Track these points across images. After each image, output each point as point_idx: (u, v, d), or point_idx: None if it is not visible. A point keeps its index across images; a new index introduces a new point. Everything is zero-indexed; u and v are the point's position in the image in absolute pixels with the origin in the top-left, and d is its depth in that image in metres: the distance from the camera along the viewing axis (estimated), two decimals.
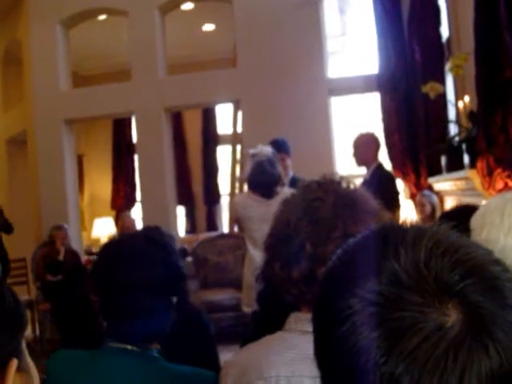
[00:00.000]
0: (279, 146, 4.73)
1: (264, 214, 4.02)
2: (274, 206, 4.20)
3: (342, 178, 1.31)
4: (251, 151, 4.33)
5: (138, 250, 1.57)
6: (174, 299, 1.57)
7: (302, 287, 1.20)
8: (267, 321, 1.59)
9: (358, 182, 4.60)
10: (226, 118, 10.56)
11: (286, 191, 4.11)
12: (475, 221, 1.54)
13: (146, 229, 1.70)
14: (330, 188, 1.26)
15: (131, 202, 11.19)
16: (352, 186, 1.29)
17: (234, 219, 4.47)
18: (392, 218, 1.33)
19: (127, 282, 1.50)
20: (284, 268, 1.22)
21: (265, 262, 1.37)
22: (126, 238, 1.65)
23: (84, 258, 8.17)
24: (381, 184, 4.35)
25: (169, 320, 1.58)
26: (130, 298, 1.50)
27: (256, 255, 4.04)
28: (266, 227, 4.29)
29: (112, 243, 1.68)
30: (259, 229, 4.04)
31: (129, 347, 1.50)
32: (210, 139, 11.14)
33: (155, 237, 1.67)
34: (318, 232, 1.19)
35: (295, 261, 1.20)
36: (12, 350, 0.88)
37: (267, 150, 4.23)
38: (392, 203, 4.51)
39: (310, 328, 1.19)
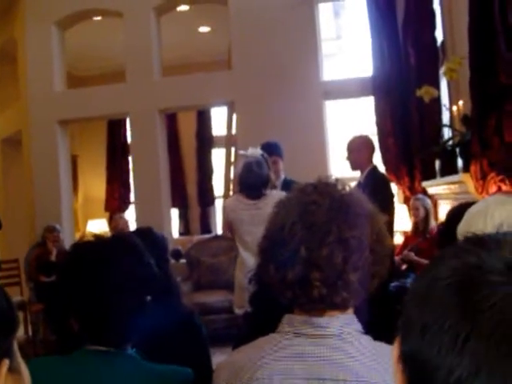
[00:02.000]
0: (272, 149, 4.72)
1: (254, 217, 4.04)
2: (263, 208, 4.22)
3: (337, 180, 1.31)
4: (241, 153, 4.35)
5: (103, 252, 1.56)
6: (148, 298, 1.56)
7: (296, 291, 1.20)
8: (260, 322, 1.59)
9: (353, 184, 4.59)
10: (221, 120, 10.56)
11: (274, 193, 4.12)
12: (461, 227, 1.55)
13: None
14: (325, 191, 1.25)
15: (125, 203, 11.17)
16: (347, 189, 1.29)
17: (226, 222, 4.48)
18: (387, 220, 1.34)
19: (94, 285, 1.49)
20: (278, 271, 1.22)
21: (259, 264, 1.36)
22: (92, 241, 1.63)
23: None
24: (375, 187, 4.35)
25: (144, 319, 1.57)
26: (100, 300, 1.48)
27: (247, 257, 4.04)
28: (256, 230, 4.30)
29: (77, 247, 1.66)
30: (249, 231, 4.05)
31: (104, 348, 1.49)
32: (205, 141, 11.14)
33: (124, 238, 1.66)
34: (312, 236, 1.19)
35: (290, 264, 1.19)
36: (4, 351, 0.87)
37: (256, 151, 4.23)
38: (386, 206, 4.51)
39: (303, 330, 1.20)
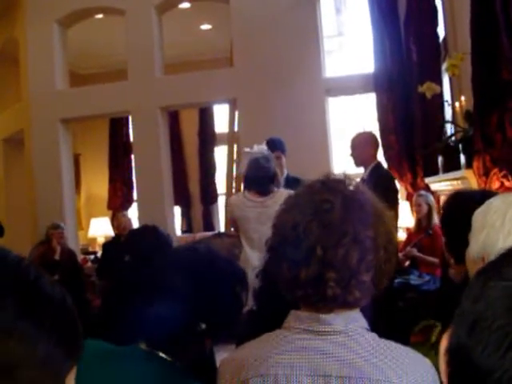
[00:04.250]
0: (275, 145, 4.71)
1: (260, 215, 4.00)
2: (271, 206, 4.17)
3: (346, 176, 1.30)
4: (246, 149, 4.32)
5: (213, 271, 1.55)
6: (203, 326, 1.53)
7: (308, 290, 1.20)
8: (265, 319, 1.59)
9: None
10: (223, 117, 10.55)
11: (282, 192, 4.08)
12: (476, 218, 1.55)
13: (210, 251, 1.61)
14: (336, 189, 1.24)
15: (128, 201, 11.17)
16: (356, 186, 1.28)
17: (230, 219, 4.44)
18: (394, 217, 1.33)
19: (182, 292, 1.48)
20: (291, 269, 1.21)
21: (269, 262, 1.35)
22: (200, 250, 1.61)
23: (80, 257, 8.17)
24: (379, 183, 4.32)
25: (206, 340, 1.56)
26: (178, 307, 1.45)
27: (252, 255, 4.01)
28: (263, 228, 4.24)
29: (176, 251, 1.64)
30: (256, 229, 4.02)
31: (161, 354, 1.47)
32: (207, 139, 11.14)
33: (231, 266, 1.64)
34: (328, 236, 1.18)
35: (304, 263, 1.19)
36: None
37: (262, 148, 4.21)
38: (390, 202, 4.49)
39: (308, 326, 1.20)
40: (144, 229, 2.85)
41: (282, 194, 4.00)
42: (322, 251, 1.17)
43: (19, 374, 0.63)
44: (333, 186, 1.26)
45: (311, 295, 1.20)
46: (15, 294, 0.66)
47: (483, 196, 1.89)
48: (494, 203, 1.52)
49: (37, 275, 0.69)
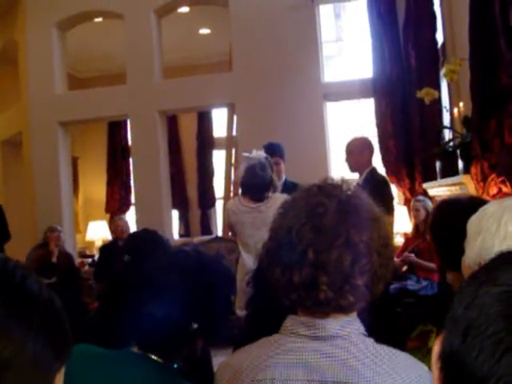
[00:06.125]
0: (274, 150, 4.71)
1: (256, 220, 4.01)
2: (266, 212, 4.17)
3: (343, 181, 1.30)
4: (245, 154, 4.32)
5: (210, 274, 1.57)
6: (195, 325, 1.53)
7: (301, 293, 1.20)
8: (259, 324, 1.59)
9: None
10: (221, 121, 10.55)
11: (277, 196, 4.09)
12: (471, 224, 1.54)
13: (205, 257, 1.62)
14: (331, 193, 1.24)
15: (126, 205, 11.16)
16: (353, 190, 1.28)
17: (228, 224, 4.44)
18: (390, 222, 1.33)
19: (175, 294, 1.49)
20: (285, 273, 1.21)
21: (264, 266, 1.35)
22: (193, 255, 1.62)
23: (78, 260, 8.16)
24: (374, 188, 4.31)
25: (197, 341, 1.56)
26: (169, 310, 1.46)
27: (248, 260, 4.02)
28: (259, 233, 4.25)
29: (174, 254, 1.65)
30: (252, 234, 4.03)
31: (153, 356, 1.48)
32: (206, 143, 11.14)
33: (222, 270, 1.64)
34: (321, 239, 1.18)
35: (297, 266, 1.18)
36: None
37: (260, 154, 4.22)
38: (386, 208, 4.48)
39: (305, 331, 1.20)
40: (143, 232, 2.84)
41: (277, 199, 4.01)
42: (315, 255, 1.17)
43: (7, 375, 0.62)
44: (329, 190, 1.26)
45: (305, 299, 1.20)
46: (1, 295, 0.66)
47: (471, 203, 1.88)
48: (489, 208, 1.52)
49: (23, 276, 0.69)
